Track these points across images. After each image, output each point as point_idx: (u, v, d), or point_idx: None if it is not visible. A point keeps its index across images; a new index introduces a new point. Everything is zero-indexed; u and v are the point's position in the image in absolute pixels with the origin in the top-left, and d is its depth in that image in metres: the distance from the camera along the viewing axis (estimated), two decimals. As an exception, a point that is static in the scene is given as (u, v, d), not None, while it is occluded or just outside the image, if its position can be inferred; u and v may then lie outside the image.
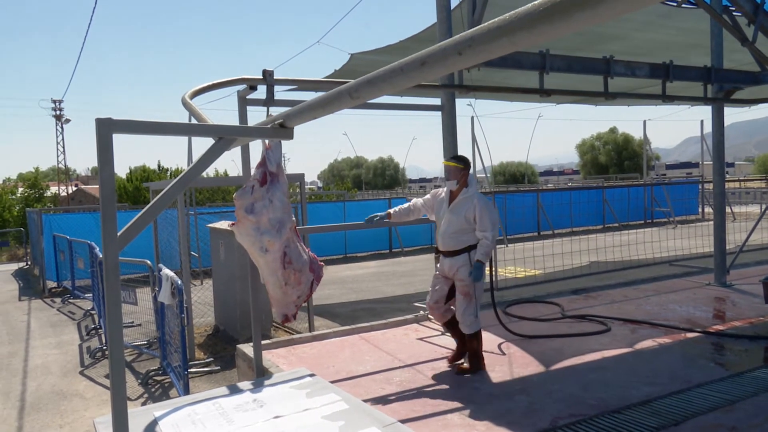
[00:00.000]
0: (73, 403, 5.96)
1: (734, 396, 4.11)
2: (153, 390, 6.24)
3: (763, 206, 10.19)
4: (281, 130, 2.06)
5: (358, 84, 1.53)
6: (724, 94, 7.43)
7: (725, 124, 7.94)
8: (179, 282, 5.24)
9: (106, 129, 1.83)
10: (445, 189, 4.95)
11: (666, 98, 6.76)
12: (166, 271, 5.62)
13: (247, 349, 5.49)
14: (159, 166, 38.64)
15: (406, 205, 5.16)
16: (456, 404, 4.20)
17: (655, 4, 6.74)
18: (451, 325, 5.03)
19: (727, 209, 20.96)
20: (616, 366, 4.89)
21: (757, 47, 6.42)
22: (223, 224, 8.51)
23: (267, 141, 3.32)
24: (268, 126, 2.07)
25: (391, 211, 5.13)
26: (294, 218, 3.90)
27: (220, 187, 34.01)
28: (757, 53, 6.23)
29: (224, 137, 2.04)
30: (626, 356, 5.15)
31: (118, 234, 1.86)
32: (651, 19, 7.62)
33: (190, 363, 6.44)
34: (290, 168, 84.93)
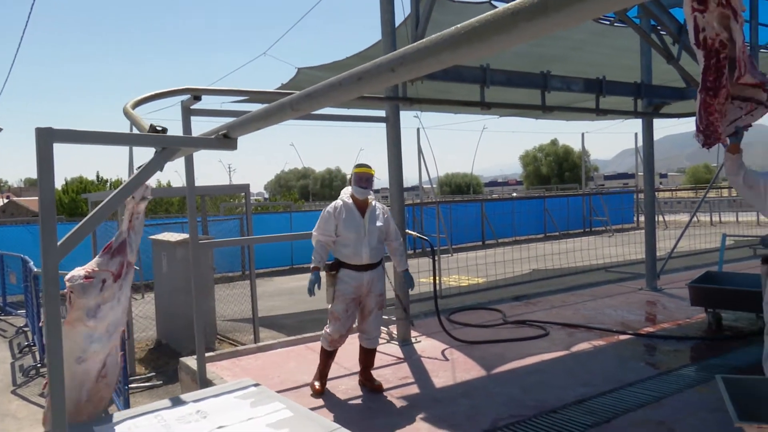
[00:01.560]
0: (5, 423, 5.72)
1: (662, 393, 4.35)
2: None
3: (692, 215, 10.77)
4: (225, 140, 2.10)
5: (299, 97, 1.60)
6: (653, 108, 7.85)
7: (660, 137, 8.53)
8: (120, 294, 5.12)
9: (46, 138, 1.82)
10: (340, 203, 4.62)
11: (600, 112, 7.10)
12: (106, 284, 5.47)
13: (191, 361, 5.42)
14: (98, 177, 37.42)
15: (318, 248, 4.64)
16: (401, 409, 4.28)
17: (588, 21, 7.07)
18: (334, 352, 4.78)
19: (660, 218, 21.99)
20: (554, 368, 5.08)
21: (682, 65, 6.83)
22: (166, 236, 8.36)
23: (132, 202, 2.71)
24: (212, 137, 2.11)
25: (317, 265, 4.59)
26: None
27: (163, 198, 33.23)
28: (682, 70, 6.62)
29: (167, 147, 2.07)
30: (564, 359, 5.35)
31: (59, 243, 1.85)
32: (585, 37, 7.98)
33: (131, 378, 6.28)
34: (235, 179, 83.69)
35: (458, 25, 1.00)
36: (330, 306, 4.61)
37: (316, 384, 4.71)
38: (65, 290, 2.72)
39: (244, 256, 14.01)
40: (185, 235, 7.85)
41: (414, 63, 1.13)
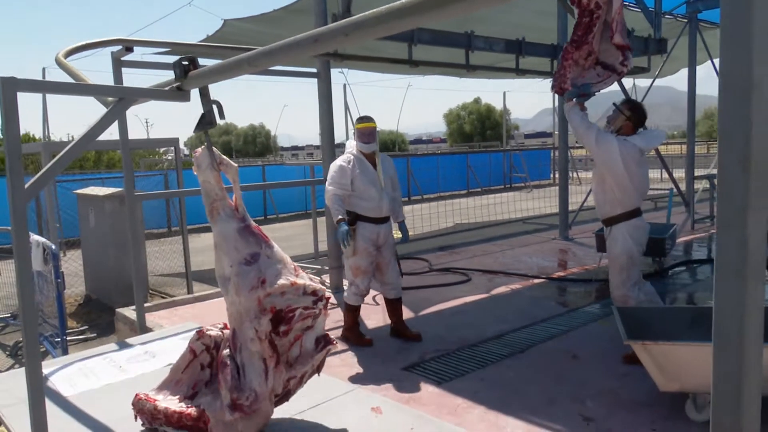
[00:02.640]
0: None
1: (569, 327, 4.90)
2: (24, 360, 6.04)
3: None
4: (179, 92, 2.25)
5: (258, 54, 1.79)
6: (568, 69, 8.34)
7: None
8: (53, 247, 5.13)
9: (11, 87, 1.93)
10: (351, 157, 4.53)
11: (519, 72, 7.51)
12: (36, 237, 5.45)
13: (128, 312, 5.54)
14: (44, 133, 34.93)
15: (335, 201, 4.45)
16: (336, 348, 4.60)
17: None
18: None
19: (575, 174, 23.23)
20: (475, 309, 5.56)
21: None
22: (93, 190, 8.21)
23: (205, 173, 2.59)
24: (166, 88, 2.25)
25: (340, 217, 4.38)
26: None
27: (83, 154, 31.67)
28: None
29: (125, 98, 2.20)
30: (484, 301, 5.85)
31: (26, 186, 1.98)
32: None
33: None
34: (153, 134, 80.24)
35: (386, 6, 1.26)
36: (350, 260, 4.56)
37: (366, 337, 4.70)
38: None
39: (170, 213, 13.84)
40: (113, 189, 7.76)
41: (367, 29, 1.37)
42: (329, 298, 2.67)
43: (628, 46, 3.99)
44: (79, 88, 2.13)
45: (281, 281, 2.47)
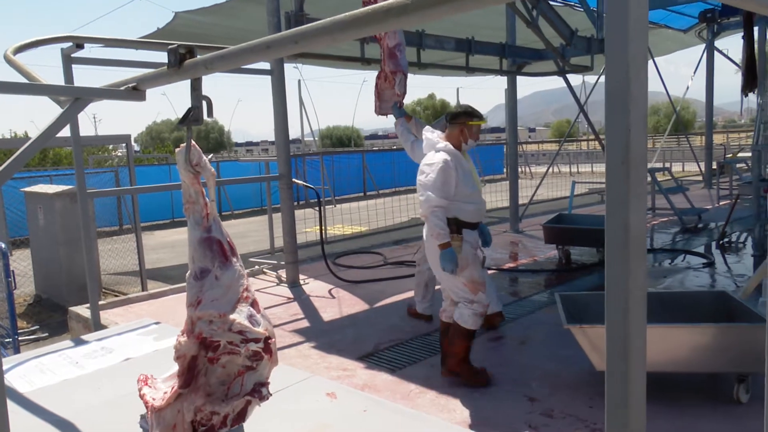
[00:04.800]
0: None
1: (519, 314, 5.14)
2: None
3: (549, 166, 12.00)
4: (134, 92, 2.31)
5: (212, 57, 1.88)
6: (517, 67, 8.63)
7: (529, 93, 9.50)
8: (2, 246, 5.06)
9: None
10: (448, 156, 3.83)
11: (469, 70, 7.73)
12: (-16, 237, 5.36)
13: (81, 310, 5.50)
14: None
15: (440, 216, 3.70)
16: (292, 341, 4.72)
17: None
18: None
19: (526, 169, 23.79)
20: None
21: (540, 29, 7.57)
22: (41, 188, 8.06)
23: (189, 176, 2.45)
24: (122, 88, 2.31)
25: (448, 240, 3.66)
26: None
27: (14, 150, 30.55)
28: (539, 33, 7.35)
29: (80, 98, 2.25)
30: (437, 292, 6.02)
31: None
32: None
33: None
34: (102, 130, 77.94)
35: (348, 13, 1.38)
36: (463, 276, 3.71)
37: (482, 372, 3.79)
38: None
39: (121, 211, 13.60)
40: (63, 187, 7.63)
41: (314, 38, 1.50)
42: (270, 342, 2.37)
43: (398, 71, 4.81)
44: (32, 88, 2.17)
45: (211, 310, 2.29)
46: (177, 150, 2.46)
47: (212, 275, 2.34)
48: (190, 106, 2.34)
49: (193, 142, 2.32)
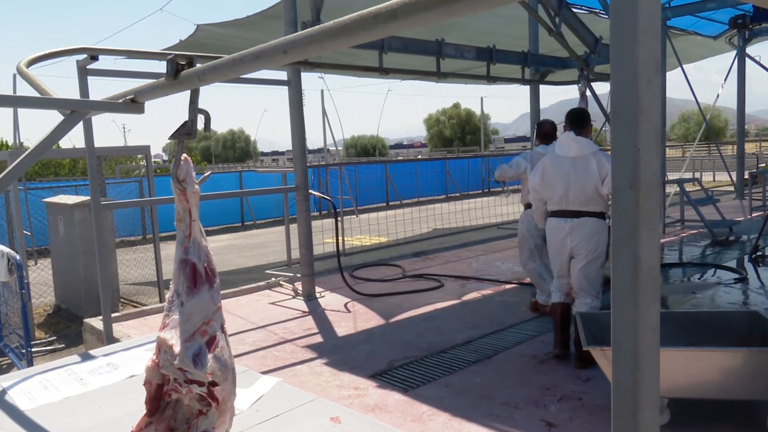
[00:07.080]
0: None
1: (537, 332, 4.95)
2: (-11, 373, 5.94)
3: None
4: (132, 104, 2.24)
5: (206, 68, 1.80)
6: (539, 76, 8.45)
7: (554, 102, 9.10)
8: (17, 257, 5.06)
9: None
10: None
11: (490, 79, 7.59)
12: (1, 247, 5.37)
13: (95, 322, 5.47)
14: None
15: None
16: (305, 357, 4.61)
17: None
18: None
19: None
20: (446, 315, 5.58)
21: (564, 36, 7.39)
22: (61, 198, 8.11)
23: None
24: (120, 101, 2.24)
25: None
26: None
27: (51, 160, 31.20)
28: (563, 41, 7.18)
29: (76, 111, 2.19)
30: (455, 307, 5.88)
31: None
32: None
33: (32, 342, 6.20)
34: (131, 140, 79.48)
35: (337, 19, 1.27)
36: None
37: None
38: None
39: (145, 220, 13.71)
40: (83, 198, 7.67)
41: (302, 47, 1.39)
42: (214, 389, 2.06)
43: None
44: (25, 101, 2.12)
45: (167, 337, 2.10)
46: (173, 162, 2.35)
47: (177, 302, 2.15)
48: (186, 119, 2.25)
49: (185, 156, 2.19)
